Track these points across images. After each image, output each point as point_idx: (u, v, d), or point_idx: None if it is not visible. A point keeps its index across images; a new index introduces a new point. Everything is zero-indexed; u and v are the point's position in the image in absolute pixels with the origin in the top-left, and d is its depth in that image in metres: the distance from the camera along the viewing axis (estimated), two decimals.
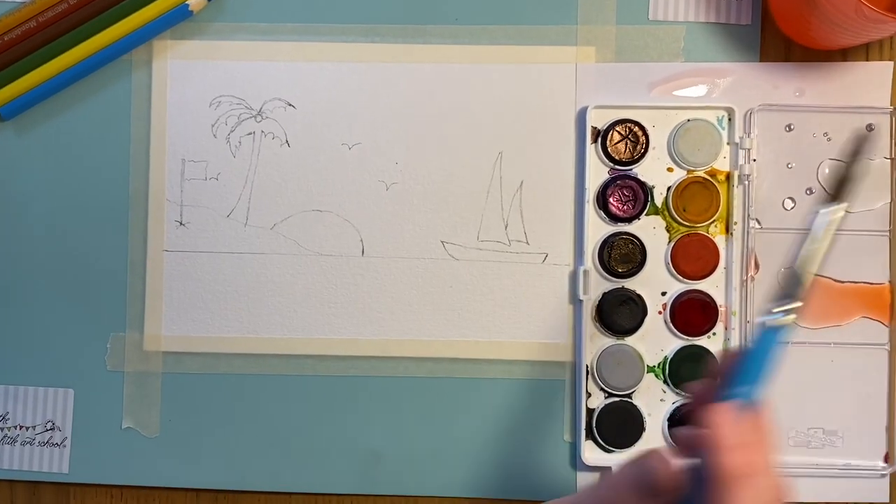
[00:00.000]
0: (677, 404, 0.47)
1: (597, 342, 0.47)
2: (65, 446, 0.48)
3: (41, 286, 0.48)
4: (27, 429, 0.48)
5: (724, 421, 0.27)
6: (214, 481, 0.48)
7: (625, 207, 0.47)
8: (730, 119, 0.47)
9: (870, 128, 0.47)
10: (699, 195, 0.47)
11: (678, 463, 0.28)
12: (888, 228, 0.47)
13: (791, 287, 0.29)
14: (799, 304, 0.28)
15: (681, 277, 0.47)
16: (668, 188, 0.47)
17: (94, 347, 0.48)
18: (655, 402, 0.47)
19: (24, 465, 0.48)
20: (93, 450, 0.48)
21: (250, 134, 0.48)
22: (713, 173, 0.47)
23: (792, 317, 0.28)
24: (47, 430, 0.48)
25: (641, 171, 0.47)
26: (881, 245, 0.47)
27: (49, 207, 0.48)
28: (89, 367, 0.48)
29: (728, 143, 0.47)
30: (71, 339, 0.48)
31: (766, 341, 0.28)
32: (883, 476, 0.47)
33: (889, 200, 0.47)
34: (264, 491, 0.48)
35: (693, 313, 0.47)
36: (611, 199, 0.47)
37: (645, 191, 0.47)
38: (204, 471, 0.48)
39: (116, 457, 0.48)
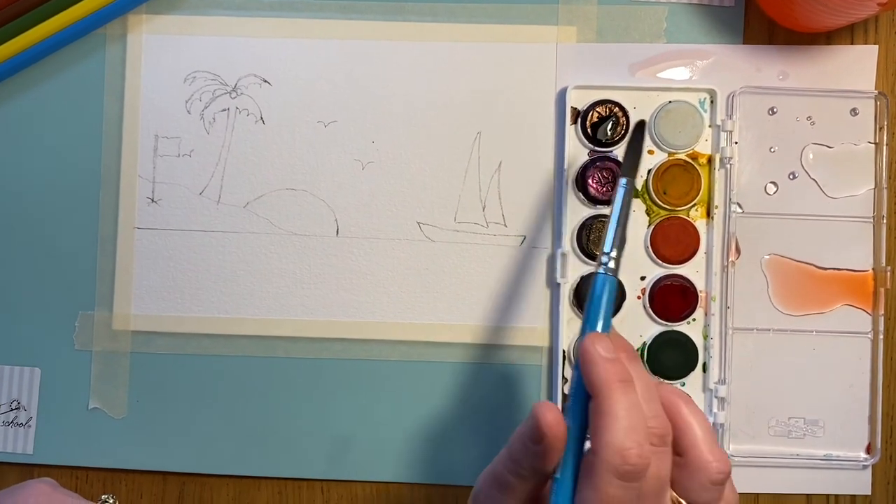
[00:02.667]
0: None
1: (574, 326, 0.46)
2: (30, 426, 0.47)
3: (8, 262, 0.47)
4: None
5: (590, 343, 0.31)
6: (182, 464, 0.47)
7: (604, 189, 0.46)
8: (712, 101, 0.46)
9: (854, 112, 0.46)
10: (680, 178, 0.46)
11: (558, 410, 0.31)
12: (871, 215, 0.46)
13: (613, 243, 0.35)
14: (615, 255, 0.34)
15: (660, 262, 0.46)
16: (649, 171, 0.46)
17: (61, 326, 0.47)
18: None
19: None
20: (58, 430, 0.47)
21: (225, 110, 0.47)
22: (694, 156, 0.46)
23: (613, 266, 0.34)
24: (12, 410, 0.47)
25: (622, 152, 0.46)
26: (865, 231, 0.46)
27: (19, 183, 0.47)
28: (57, 345, 0.47)
29: (710, 126, 0.46)
30: (38, 316, 0.47)
31: (600, 286, 0.34)
32: (864, 467, 0.46)
33: (873, 186, 0.46)
34: (233, 475, 0.47)
35: (672, 298, 0.46)
36: (590, 181, 0.46)
37: None
38: (171, 454, 0.47)
39: (82, 438, 0.47)
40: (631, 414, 0.30)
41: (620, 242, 0.35)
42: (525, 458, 0.31)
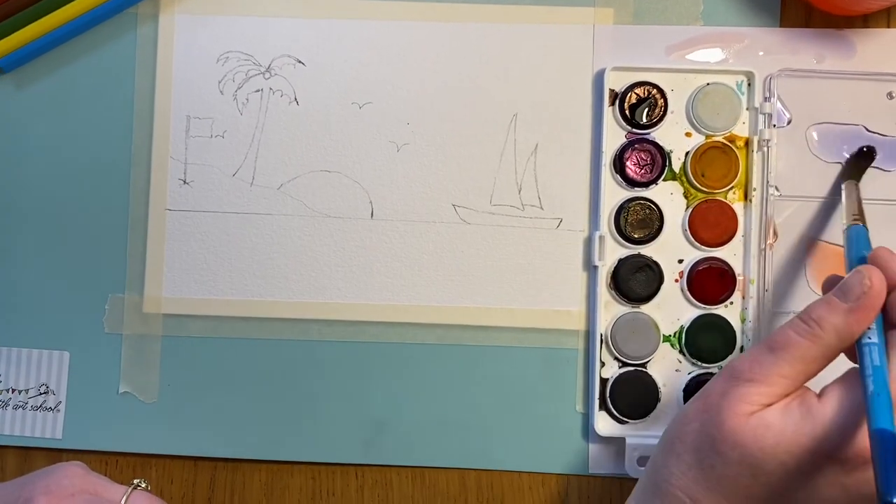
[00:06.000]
0: (693, 374, 0.46)
1: (611, 310, 0.46)
2: (59, 411, 0.46)
3: (38, 245, 0.47)
4: (20, 392, 0.46)
5: (882, 249, 0.34)
6: (213, 449, 0.46)
7: (642, 172, 0.46)
8: (749, 84, 0.46)
9: (890, 95, 0.46)
10: (718, 161, 0.46)
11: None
12: None
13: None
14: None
15: (698, 245, 0.46)
16: (687, 153, 0.46)
17: (91, 309, 0.46)
18: (671, 372, 0.46)
19: (15, 430, 0.46)
20: (88, 415, 0.46)
21: (258, 91, 0.47)
22: (732, 139, 0.46)
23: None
24: (41, 394, 0.46)
25: (659, 135, 0.46)
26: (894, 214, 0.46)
27: (48, 164, 0.47)
28: (86, 329, 0.46)
29: (747, 109, 0.46)
30: (68, 299, 0.46)
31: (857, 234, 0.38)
32: None
33: None
34: (265, 460, 0.46)
35: (710, 281, 0.46)
36: (628, 164, 0.46)
37: (663, 155, 0.46)
38: (203, 438, 0.46)
39: (112, 423, 0.46)
40: None
41: (860, 207, 0.40)
42: (830, 316, 0.32)
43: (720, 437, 0.32)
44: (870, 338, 0.31)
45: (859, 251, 0.36)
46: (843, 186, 0.43)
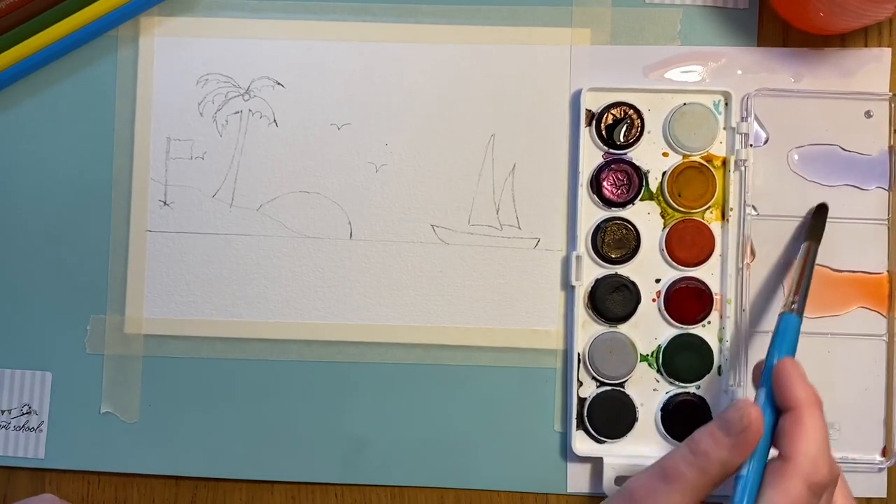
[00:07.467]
0: (670, 394, 0.46)
1: (589, 330, 0.46)
2: (41, 431, 0.47)
3: (20, 266, 0.47)
4: (3, 412, 0.47)
5: (792, 364, 0.36)
6: (195, 469, 0.47)
7: (619, 192, 0.46)
8: (726, 103, 0.46)
9: (868, 114, 0.46)
10: (695, 180, 0.46)
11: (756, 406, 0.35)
12: (886, 217, 0.46)
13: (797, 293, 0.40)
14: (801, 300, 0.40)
15: (675, 264, 0.46)
16: (664, 173, 0.46)
17: (73, 330, 0.47)
18: (648, 391, 0.46)
19: None
20: (70, 435, 0.47)
21: (237, 113, 0.47)
22: (709, 158, 0.46)
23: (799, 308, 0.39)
24: (23, 414, 0.47)
25: (636, 155, 0.46)
26: (880, 234, 0.46)
27: (30, 186, 0.47)
28: (68, 349, 0.47)
29: (724, 128, 0.46)
30: (50, 320, 0.47)
31: (793, 323, 0.39)
32: (880, 470, 0.46)
33: (888, 188, 0.46)
34: (246, 479, 0.47)
35: (688, 301, 0.46)
36: (605, 184, 0.46)
37: (640, 175, 0.46)
38: (184, 458, 0.47)
39: (94, 442, 0.47)
40: (824, 433, 0.34)
41: (805, 289, 0.40)
42: (714, 449, 0.34)
43: None
44: (742, 472, 0.34)
45: (775, 352, 0.38)
46: (801, 247, 0.44)
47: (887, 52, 0.47)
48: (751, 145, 0.46)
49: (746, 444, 0.34)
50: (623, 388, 0.46)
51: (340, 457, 0.47)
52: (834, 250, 0.46)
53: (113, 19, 0.47)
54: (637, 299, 0.46)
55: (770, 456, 0.35)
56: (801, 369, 0.36)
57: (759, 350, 0.46)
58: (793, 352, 0.38)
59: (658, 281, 0.46)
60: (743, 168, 0.46)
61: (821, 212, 0.45)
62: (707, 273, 0.46)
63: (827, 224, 0.45)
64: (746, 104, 0.46)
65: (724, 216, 0.46)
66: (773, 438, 0.35)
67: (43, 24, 0.46)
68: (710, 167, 0.46)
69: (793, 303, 0.39)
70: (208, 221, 0.47)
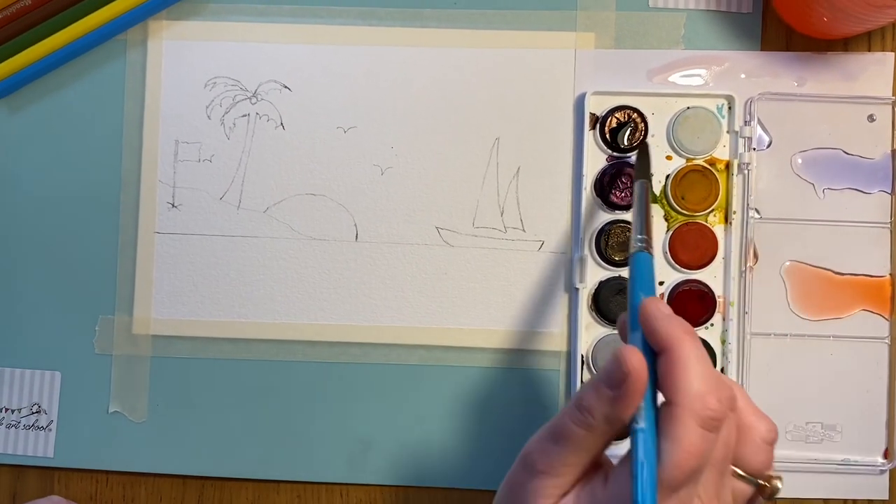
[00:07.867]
0: None
1: (592, 332, 0.47)
2: (50, 430, 0.47)
3: (30, 267, 0.48)
4: (12, 412, 0.47)
5: (651, 302, 0.32)
6: (202, 468, 0.47)
7: (622, 195, 0.46)
8: (730, 107, 0.47)
9: (871, 118, 0.47)
10: (698, 184, 0.46)
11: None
12: (889, 220, 0.47)
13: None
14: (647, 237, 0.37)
15: (678, 267, 0.46)
16: (667, 176, 0.47)
17: (82, 330, 0.47)
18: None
19: (8, 448, 0.47)
20: (79, 434, 0.47)
21: (245, 116, 0.48)
22: (712, 162, 0.47)
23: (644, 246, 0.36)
24: (33, 413, 0.47)
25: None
26: (882, 237, 0.47)
27: (40, 187, 0.48)
28: (77, 349, 0.47)
29: (727, 132, 0.47)
30: (59, 321, 0.47)
31: (644, 261, 0.35)
32: (882, 472, 0.46)
33: (890, 192, 0.47)
34: (252, 479, 0.47)
35: (691, 303, 0.46)
36: (608, 187, 0.46)
37: None
38: (191, 457, 0.47)
39: (103, 442, 0.47)
40: (703, 362, 0.30)
41: (647, 226, 0.37)
42: (598, 404, 0.30)
43: None
44: (637, 422, 0.30)
45: (636, 294, 0.34)
46: (634, 186, 0.41)
47: (890, 56, 0.47)
48: (754, 149, 0.46)
49: (630, 395, 0.30)
50: None
51: (346, 457, 0.47)
52: (837, 253, 0.47)
53: (122, 23, 0.47)
54: None
55: (659, 402, 0.32)
56: (664, 306, 0.32)
57: (761, 352, 0.46)
58: (653, 290, 0.34)
59: (661, 283, 0.47)
60: (746, 171, 0.46)
61: (643, 149, 0.44)
62: (710, 276, 0.46)
63: (816, 222, 0.45)
64: (750, 108, 0.46)
65: (727, 219, 0.47)
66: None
67: (52, 28, 0.47)
68: (713, 170, 0.46)
69: (641, 241, 0.37)
70: (216, 223, 0.47)
